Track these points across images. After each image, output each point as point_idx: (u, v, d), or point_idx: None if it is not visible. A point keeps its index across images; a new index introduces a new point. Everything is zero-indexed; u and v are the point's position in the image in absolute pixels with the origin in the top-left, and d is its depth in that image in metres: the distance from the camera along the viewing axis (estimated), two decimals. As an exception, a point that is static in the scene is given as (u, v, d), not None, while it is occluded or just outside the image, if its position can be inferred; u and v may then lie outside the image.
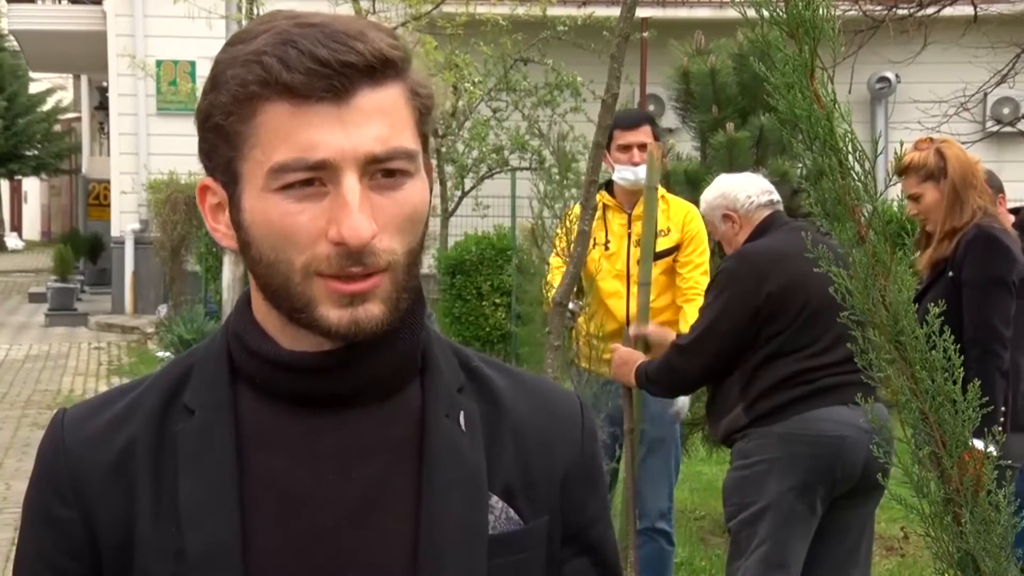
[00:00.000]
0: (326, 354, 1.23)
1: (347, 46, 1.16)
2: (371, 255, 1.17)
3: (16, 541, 1.33)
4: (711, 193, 4.32)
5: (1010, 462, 3.54)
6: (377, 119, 1.18)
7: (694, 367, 4.08)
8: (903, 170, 4.26)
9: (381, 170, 1.18)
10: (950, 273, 4.12)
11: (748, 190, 4.21)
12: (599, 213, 5.01)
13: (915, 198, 4.26)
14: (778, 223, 4.18)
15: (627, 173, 5.01)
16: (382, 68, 1.18)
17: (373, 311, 1.19)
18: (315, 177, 1.17)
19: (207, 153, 1.23)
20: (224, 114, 1.19)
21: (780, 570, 3.95)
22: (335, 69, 1.15)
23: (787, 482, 3.92)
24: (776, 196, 4.25)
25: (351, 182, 1.16)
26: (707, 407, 4.31)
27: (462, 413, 1.28)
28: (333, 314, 1.19)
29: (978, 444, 2.60)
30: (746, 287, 3.99)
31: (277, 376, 1.25)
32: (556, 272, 4.70)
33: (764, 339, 3.96)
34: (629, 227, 5.09)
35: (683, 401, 4.91)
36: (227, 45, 1.22)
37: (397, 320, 1.22)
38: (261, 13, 12.01)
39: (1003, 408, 4.06)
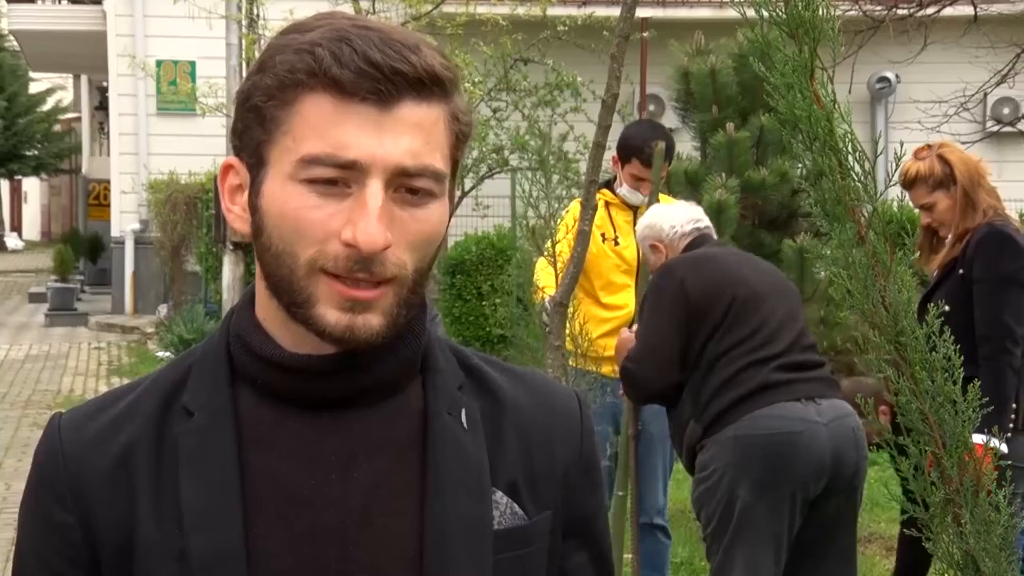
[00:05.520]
0: (329, 358, 1.23)
1: (401, 55, 1.16)
2: (380, 264, 1.17)
3: (14, 546, 1.32)
4: (640, 225, 4.44)
5: (1011, 462, 3.55)
6: (414, 133, 1.17)
7: (646, 380, 4.09)
8: (910, 182, 4.27)
9: (407, 185, 1.18)
10: (960, 271, 4.12)
11: (673, 220, 4.30)
12: (603, 211, 5.10)
13: (928, 208, 4.26)
14: (700, 243, 4.25)
15: (634, 197, 5.22)
16: (430, 84, 1.18)
17: (372, 322, 1.19)
18: (341, 177, 1.17)
19: (240, 133, 1.23)
20: (265, 96, 1.19)
21: None
22: (384, 74, 1.16)
23: (744, 486, 3.85)
24: (703, 222, 4.34)
25: (375, 188, 1.16)
26: (672, 438, 4.26)
27: (463, 411, 1.28)
28: (331, 315, 1.18)
29: (978, 439, 2.61)
30: (670, 294, 4.01)
31: (279, 378, 1.24)
32: (543, 273, 4.72)
33: (699, 344, 3.94)
34: (635, 222, 5.18)
35: None
36: (281, 33, 1.23)
37: (395, 332, 1.22)
38: (261, 13, 12.00)
39: (1014, 405, 4.06)
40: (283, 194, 1.18)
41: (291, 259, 1.19)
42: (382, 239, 1.16)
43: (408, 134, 1.17)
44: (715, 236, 4.39)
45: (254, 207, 1.22)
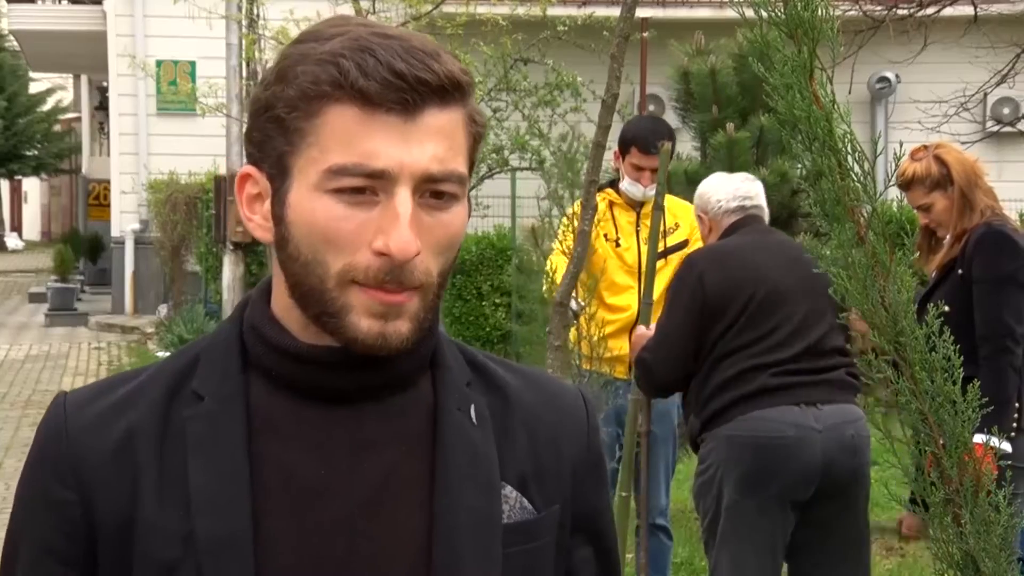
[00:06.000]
0: (345, 350, 1.24)
1: (423, 63, 1.18)
2: (409, 272, 1.19)
3: (8, 523, 1.32)
4: (696, 193, 4.36)
5: (1010, 463, 3.55)
6: (438, 139, 1.20)
7: (660, 371, 4.09)
8: (907, 183, 4.26)
9: (432, 190, 1.20)
10: (959, 271, 4.12)
11: (720, 194, 4.21)
12: (606, 211, 5.10)
13: (925, 208, 4.26)
14: (743, 226, 4.15)
15: (635, 190, 5.15)
16: (451, 90, 1.20)
17: (402, 329, 1.21)
18: (368, 186, 1.18)
19: (258, 143, 1.24)
20: (288, 108, 1.20)
21: None
22: (409, 84, 1.17)
23: (733, 486, 3.87)
24: (752, 201, 4.20)
25: (404, 196, 1.18)
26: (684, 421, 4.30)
27: (472, 406, 1.30)
28: (364, 323, 1.20)
29: (978, 439, 2.62)
30: (688, 288, 4.00)
31: (295, 369, 1.26)
32: (560, 268, 4.72)
33: (712, 340, 3.94)
34: (638, 224, 5.20)
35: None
36: (296, 42, 1.24)
37: (421, 337, 1.24)
38: (261, 13, 11.96)
39: (1016, 404, 4.06)
40: (311, 205, 1.20)
41: (322, 268, 1.20)
42: (414, 246, 1.18)
43: (433, 141, 1.19)
44: (765, 217, 4.24)
45: (278, 217, 1.24)
